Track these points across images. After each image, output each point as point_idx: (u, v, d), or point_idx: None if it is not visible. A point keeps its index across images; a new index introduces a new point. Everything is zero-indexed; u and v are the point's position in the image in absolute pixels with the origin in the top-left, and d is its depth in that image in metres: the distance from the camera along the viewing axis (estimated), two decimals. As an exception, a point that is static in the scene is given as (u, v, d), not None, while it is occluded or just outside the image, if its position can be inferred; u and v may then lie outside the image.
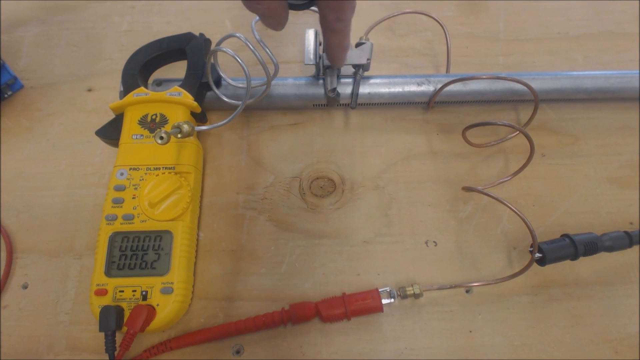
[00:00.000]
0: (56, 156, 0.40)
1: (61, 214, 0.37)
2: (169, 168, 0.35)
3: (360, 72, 0.39)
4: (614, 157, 0.41)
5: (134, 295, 0.31)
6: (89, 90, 0.43)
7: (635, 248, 0.36)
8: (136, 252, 0.32)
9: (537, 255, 0.34)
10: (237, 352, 0.33)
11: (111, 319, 0.30)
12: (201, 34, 0.39)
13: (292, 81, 0.40)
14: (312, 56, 0.37)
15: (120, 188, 0.34)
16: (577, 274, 0.36)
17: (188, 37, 0.39)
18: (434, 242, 0.37)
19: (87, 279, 0.35)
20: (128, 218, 0.33)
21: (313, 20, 0.47)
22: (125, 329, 0.30)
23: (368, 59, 0.38)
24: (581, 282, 0.36)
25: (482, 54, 0.46)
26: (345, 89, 0.40)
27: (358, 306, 0.33)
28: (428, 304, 0.35)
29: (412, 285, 0.34)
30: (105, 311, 0.30)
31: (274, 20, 0.31)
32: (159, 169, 0.35)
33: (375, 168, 0.40)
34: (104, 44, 0.45)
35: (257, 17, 0.31)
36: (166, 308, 0.31)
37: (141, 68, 0.38)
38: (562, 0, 0.48)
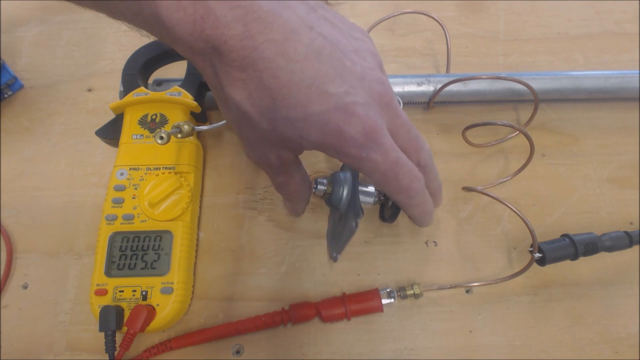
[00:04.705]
0: (56, 156, 0.40)
1: (61, 214, 0.37)
2: (169, 168, 0.35)
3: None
4: (614, 157, 0.41)
5: (134, 295, 0.31)
6: (89, 90, 0.43)
7: (635, 248, 0.36)
8: (136, 252, 0.32)
9: (537, 255, 0.34)
10: (237, 352, 0.33)
11: (111, 319, 0.30)
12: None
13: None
14: None
15: (120, 188, 0.34)
16: (577, 274, 0.36)
17: (188, 37, 0.39)
18: (434, 242, 0.37)
19: (87, 279, 0.35)
20: (128, 218, 0.33)
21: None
22: (125, 329, 0.30)
23: None
24: (581, 282, 0.36)
25: (482, 54, 0.46)
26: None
27: (358, 306, 0.33)
28: (428, 304, 0.35)
29: (412, 286, 0.34)
30: (105, 311, 0.30)
31: (292, 205, 0.34)
32: (159, 169, 0.35)
33: (375, 168, 0.39)
34: (104, 44, 0.45)
35: None
36: (166, 308, 0.31)
37: (141, 68, 0.38)
38: (562, 0, 0.48)
